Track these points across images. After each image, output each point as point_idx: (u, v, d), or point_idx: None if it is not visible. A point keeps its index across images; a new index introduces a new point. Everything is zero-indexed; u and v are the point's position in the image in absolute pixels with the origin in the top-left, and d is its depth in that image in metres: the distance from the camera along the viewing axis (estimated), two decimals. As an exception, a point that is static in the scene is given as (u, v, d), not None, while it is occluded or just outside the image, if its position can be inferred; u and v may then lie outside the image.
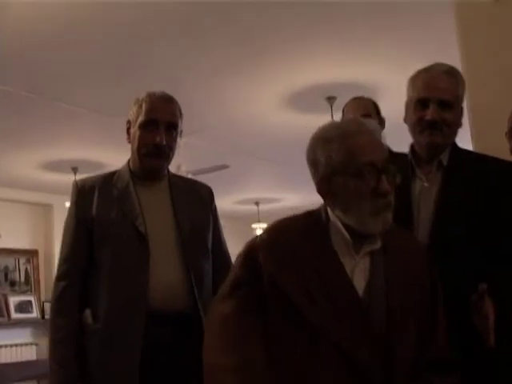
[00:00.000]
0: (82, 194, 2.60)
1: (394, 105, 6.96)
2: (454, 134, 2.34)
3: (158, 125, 2.53)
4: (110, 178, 2.65)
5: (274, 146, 8.42)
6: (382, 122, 3.53)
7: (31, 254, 11.03)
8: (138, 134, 2.55)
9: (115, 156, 8.78)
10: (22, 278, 10.94)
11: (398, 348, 1.81)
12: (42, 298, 10.99)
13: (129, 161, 2.68)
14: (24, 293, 10.84)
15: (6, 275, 10.65)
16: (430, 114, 2.24)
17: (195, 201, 2.69)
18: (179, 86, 5.40)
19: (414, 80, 2.35)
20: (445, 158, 2.32)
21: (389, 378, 1.78)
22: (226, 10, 4.75)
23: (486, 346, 1.97)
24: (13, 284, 10.75)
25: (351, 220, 1.87)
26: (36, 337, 10.79)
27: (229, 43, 5.36)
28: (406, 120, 2.39)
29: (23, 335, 10.60)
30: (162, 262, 2.47)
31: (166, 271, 2.47)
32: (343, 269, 1.86)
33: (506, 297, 2.04)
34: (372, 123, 1.95)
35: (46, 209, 11.14)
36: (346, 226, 1.89)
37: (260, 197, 12.20)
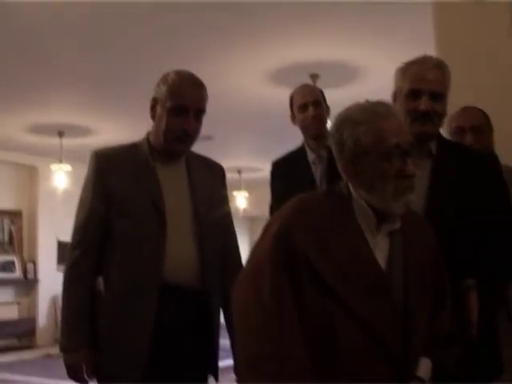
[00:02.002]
0: (102, 165, 2.53)
1: (375, 86, 7.06)
2: (442, 123, 2.42)
3: (188, 112, 2.47)
4: (129, 152, 2.59)
5: (257, 117, 8.46)
6: (328, 109, 3.55)
7: (15, 215, 11.03)
8: (166, 117, 2.47)
9: (103, 123, 8.80)
10: (6, 238, 10.92)
11: (415, 324, 1.88)
12: (25, 258, 11.00)
13: (148, 136, 2.61)
14: (7, 253, 10.84)
15: (-11, 235, 10.69)
16: (423, 104, 2.29)
17: (210, 180, 2.67)
18: (165, 60, 5.41)
19: (405, 71, 2.38)
20: (433, 146, 2.38)
21: (407, 351, 1.85)
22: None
23: (467, 336, 2.05)
24: (-4, 244, 10.79)
25: (375, 200, 1.89)
26: (18, 296, 10.84)
27: (215, 19, 5.37)
28: None
29: (5, 294, 10.64)
30: (178, 239, 2.47)
31: (181, 248, 2.47)
32: (369, 246, 1.88)
33: (490, 290, 2.13)
34: (395, 106, 1.97)
35: (31, 171, 11.13)
36: (369, 205, 1.91)
37: (242, 165, 12.25)
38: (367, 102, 1.96)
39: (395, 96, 2.40)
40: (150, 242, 2.43)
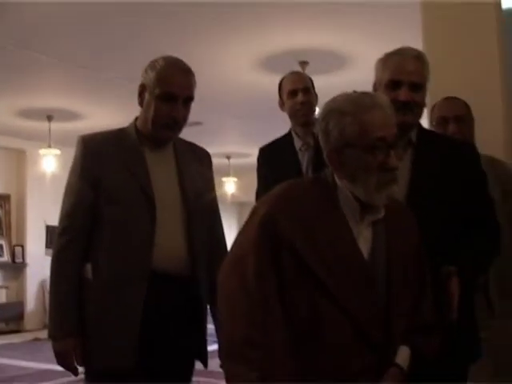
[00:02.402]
0: (89, 150, 2.49)
1: (364, 73, 7.03)
2: (422, 113, 2.43)
3: (177, 99, 2.45)
4: (116, 137, 2.56)
5: (246, 103, 8.46)
6: (316, 97, 3.56)
7: (3, 199, 10.99)
8: (154, 103, 2.45)
9: (93, 108, 8.76)
10: (-6, 222, 10.90)
11: (396, 313, 1.91)
12: (13, 242, 10.97)
13: (135, 121, 2.58)
14: (-5, 236, 10.82)
15: (-22, 219, 10.65)
16: (403, 95, 2.31)
17: (197, 166, 2.65)
18: (156, 45, 5.39)
19: (385, 62, 2.40)
20: (414, 136, 2.40)
21: (387, 340, 1.88)
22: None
23: (447, 321, 2.06)
24: (-15, 227, 10.76)
25: (358, 191, 1.90)
26: (6, 280, 10.82)
27: (206, 6, 5.35)
28: None
29: (-6, 278, 10.62)
30: (168, 226, 2.45)
31: (170, 235, 2.46)
32: (353, 235, 1.90)
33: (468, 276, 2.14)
34: (384, 98, 1.98)
35: (20, 155, 11.09)
36: (353, 195, 1.93)
37: (231, 151, 12.26)
38: (355, 92, 1.97)
39: (375, 86, 2.42)
40: (139, 229, 2.41)
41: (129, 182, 2.45)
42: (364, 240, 1.91)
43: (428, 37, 3.62)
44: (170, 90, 2.44)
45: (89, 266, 2.44)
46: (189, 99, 2.50)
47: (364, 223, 1.92)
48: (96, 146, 2.51)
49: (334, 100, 1.96)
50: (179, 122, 2.49)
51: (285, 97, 3.52)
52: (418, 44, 3.61)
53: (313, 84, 3.61)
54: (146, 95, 2.50)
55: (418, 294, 2.00)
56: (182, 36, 5.96)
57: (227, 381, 1.82)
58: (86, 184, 2.46)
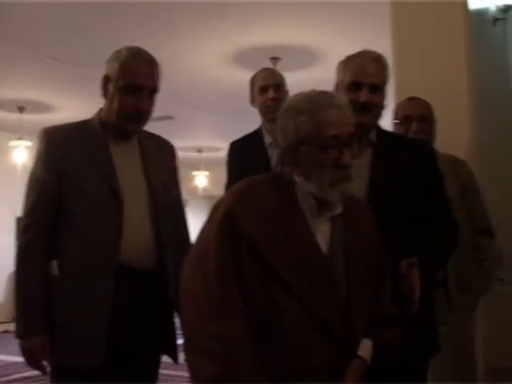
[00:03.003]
0: (52, 143, 2.42)
1: (334, 70, 7.08)
2: (381, 114, 2.48)
3: (142, 91, 2.40)
4: (80, 129, 2.49)
5: (218, 98, 8.45)
6: (287, 94, 3.58)
7: (-27, 191, 10.83)
8: (118, 95, 2.40)
9: (65, 100, 8.68)
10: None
11: (356, 307, 1.94)
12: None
13: (100, 113, 2.52)
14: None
15: None
16: (363, 96, 2.37)
17: (163, 159, 2.62)
18: (126, 38, 5.32)
19: (346, 64, 2.45)
20: (373, 136, 2.45)
21: (348, 333, 1.91)
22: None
23: (408, 313, 2.09)
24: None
25: (312, 187, 1.93)
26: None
27: (177, 2, 5.34)
28: None
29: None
30: (135, 220, 2.40)
31: (137, 229, 2.41)
32: (310, 229, 1.92)
33: (428, 270, 2.18)
34: (341, 98, 2.01)
35: (-10, 146, 10.91)
36: (309, 191, 1.96)
37: (203, 145, 12.26)
38: (313, 91, 2.00)
39: (337, 88, 2.46)
40: (106, 223, 2.36)
41: (94, 175, 2.39)
42: (322, 235, 1.94)
43: (397, 35, 3.66)
44: (135, 81, 2.39)
45: (54, 263, 2.38)
46: (154, 90, 2.46)
47: (322, 219, 1.95)
48: (59, 139, 2.44)
49: (291, 98, 2.02)
50: (144, 114, 2.45)
51: (256, 93, 3.54)
52: (387, 42, 3.66)
53: (284, 81, 3.63)
54: (110, 87, 2.44)
55: (377, 288, 2.03)
56: (153, 30, 5.94)
57: (190, 375, 1.84)
58: (50, 178, 2.39)
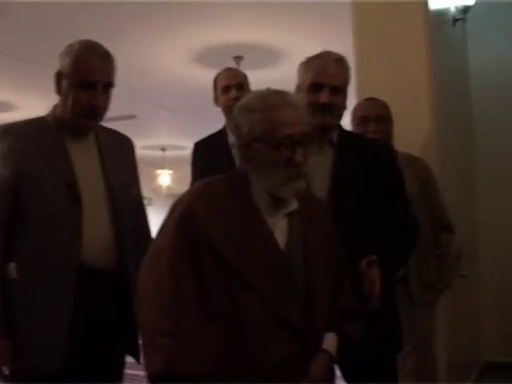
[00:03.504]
0: (7, 141, 2.32)
1: (296, 68, 7.10)
2: (342, 115, 2.49)
3: (96, 86, 2.31)
4: (35, 126, 2.40)
5: (181, 96, 8.40)
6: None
7: None
8: (72, 92, 2.32)
9: (25, 98, 8.55)
10: None
11: (317, 301, 1.95)
12: None
13: (54, 110, 2.43)
14: None
15: None
16: (324, 97, 2.37)
17: (121, 155, 2.54)
18: (87, 36, 5.24)
19: (307, 65, 2.45)
20: (335, 137, 2.46)
21: (310, 327, 1.92)
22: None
23: (370, 309, 2.10)
24: None
25: (266, 184, 1.95)
26: None
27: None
28: None
29: None
30: (94, 218, 2.33)
31: (97, 227, 2.34)
32: (267, 225, 1.93)
33: (387, 267, 2.20)
34: (296, 97, 2.01)
35: None
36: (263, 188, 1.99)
37: (166, 143, 12.19)
38: (267, 90, 2.01)
39: (298, 89, 2.46)
40: (64, 223, 2.28)
41: (50, 173, 2.30)
42: (280, 231, 1.95)
43: (358, 35, 3.68)
44: (89, 76, 2.31)
45: (12, 265, 2.29)
46: (109, 85, 2.38)
47: (278, 215, 1.97)
48: (14, 137, 2.35)
49: (246, 97, 2.03)
50: (99, 110, 2.36)
51: (219, 92, 3.55)
52: (349, 42, 3.68)
53: (247, 80, 3.64)
54: (64, 83, 2.35)
55: (337, 282, 2.05)
56: (115, 28, 5.86)
57: (145, 369, 1.85)
58: (6, 178, 2.29)
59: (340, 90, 2.39)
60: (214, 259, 1.84)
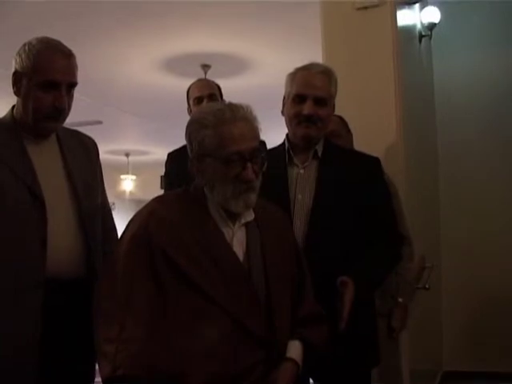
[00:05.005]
0: None
1: (264, 78, 7.12)
2: (327, 127, 2.49)
3: (59, 86, 2.18)
4: None
5: (147, 103, 8.37)
6: None
7: None
8: (34, 93, 2.17)
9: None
10: None
11: (278, 309, 1.94)
12: None
13: (12, 111, 2.28)
14: None
15: None
16: (306, 109, 2.36)
17: (84, 157, 2.41)
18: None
19: (293, 77, 2.45)
20: (320, 148, 2.46)
21: (271, 335, 1.91)
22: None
23: (338, 329, 2.11)
24: None
25: (217, 197, 1.95)
26: None
27: (109, 5, 5.21)
28: (283, 112, 2.50)
29: None
30: (59, 226, 2.20)
31: (63, 235, 2.22)
32: (224, 237, 1.93)
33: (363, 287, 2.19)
34: (248, 111, 1.97)
35: None
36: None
37: (130, 149, 12.10)
38: (222, 103, 2.01)
39: (284, 100, 2.47)
40: (28, 232, 2.13)
41: (10, 179, 2.13)
42: (239, 243, 1.96)
43: (327, 49, 3.67)
44: (52, 77, 2.17)
45: None
46: (72, 85, 2.24)
47: (236, 226, 1.97)
48: None
49: (198, 111, 2.06)
50: (63, 111, 2.22)
51: (191, 103, 3.60)
52: (317, 53, 3.68)
53: (221, 92, 3.69)
54: (24, 83, 2.19)
55: (298, 289, 2.05)
56: (82, 34, 5.76)
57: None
58: None
59: (324, 102, 2.38)
60: (172, 273, 1.83)
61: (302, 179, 2.39)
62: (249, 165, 1.89)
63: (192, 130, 1.97)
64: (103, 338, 1.81)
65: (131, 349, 1.75)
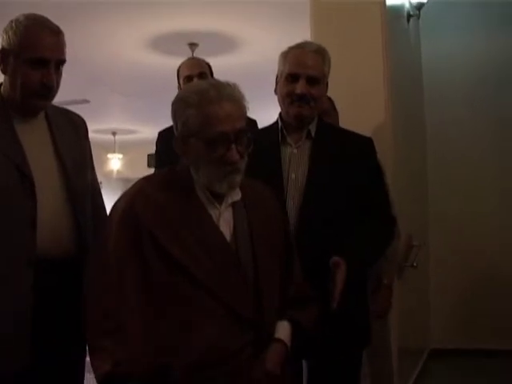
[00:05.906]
0: None
1: (251, 56, 7.08)
2: (320, 107, 2.47)
3: (48, 63, 2.14)
4: None
5: (134, 82, 8.32)
6: None
7: None
8: (22, 70, 2.13)
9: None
10: None
11: (266, 289, 1.93)
12: None
13: (0, 89, 2.24)
14: None
15: None
16: (299, 88, 2.34)
17: (73, 134, 2.37)
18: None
19: (286, 56, 2.42)
20: (313, 128, 2.44)
21: (260, 316, 1.89)
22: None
23: (330, 309, 2.11)
24: None
25: (202, 179, 1.92)
26: None
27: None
28: (276, 91, 2.48)
29: None
30: (50, 205, 2.17)
31: (54, 215, 2.18)
32: (211, 217, 1.90)
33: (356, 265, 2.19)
34: (234, 90, 1.92)
35: None
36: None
37: (117, 127, 12.06)
38: (207, 82, 1.97)
39: (277, 79, 2.44)
40: (18, 212, 2.10)
41: (1, 162, 2.11)
42: (226, 223, 1.93)
43: (315, 30, 3.67)
44: (40, 54, 2.13)
45: None
46: (61, 62, 2.21)
47: (222, 206, 1.94)
48: None
49: (184, 90, 1.99)
50: (51, 89, 2.19)
51: (182, 82, 3.57)
52: (306, 33, 3.66)
53: (211, 70, 3.66)
54: (11, 60, 2.15)
55: (286, 270, 2.04)
56: (68, 14, 5.70)
57: (93, 370, 1.82)
58: None
59: (317, 81, 2.36)
60: (159, 255, 1.81)
61: (296, 159, 2.38)
62: (233, 146, 1.85)
63: (176, 108, 1.92)
64: (99, 330, 1.79)
65: (131, 344, 1.74)
